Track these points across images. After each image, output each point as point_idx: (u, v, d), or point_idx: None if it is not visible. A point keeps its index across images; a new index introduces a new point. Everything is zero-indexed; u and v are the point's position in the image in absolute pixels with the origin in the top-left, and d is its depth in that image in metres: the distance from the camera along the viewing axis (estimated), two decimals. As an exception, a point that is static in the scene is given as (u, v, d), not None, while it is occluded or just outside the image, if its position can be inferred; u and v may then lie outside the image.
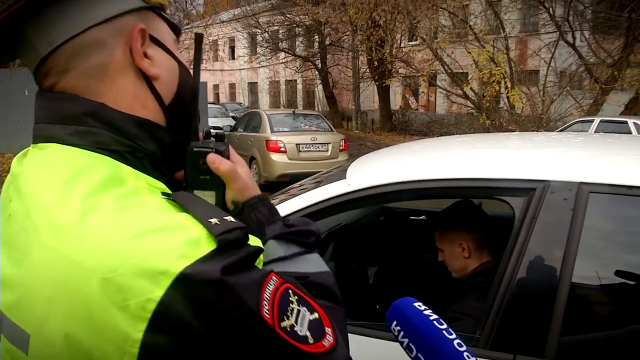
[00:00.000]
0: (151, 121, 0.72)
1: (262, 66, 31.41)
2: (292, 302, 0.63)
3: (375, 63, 19.26)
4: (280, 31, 26.36)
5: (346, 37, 22.53)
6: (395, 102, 25.91)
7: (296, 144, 9.56)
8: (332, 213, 1.75)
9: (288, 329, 0.61)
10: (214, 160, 0.76)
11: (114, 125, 0.69)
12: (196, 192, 0.78)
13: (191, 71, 0.79)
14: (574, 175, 1.43)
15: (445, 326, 0.81)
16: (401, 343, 0.84)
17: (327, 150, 9.84)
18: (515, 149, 1.98)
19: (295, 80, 31.87)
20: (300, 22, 23.75)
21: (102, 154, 0.67)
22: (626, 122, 11.15)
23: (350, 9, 15.88)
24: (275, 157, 9.38)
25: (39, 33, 0.68)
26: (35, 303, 0.59)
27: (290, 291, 0.64)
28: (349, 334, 1.51)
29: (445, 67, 15.24)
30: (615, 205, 1.43)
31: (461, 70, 16.19)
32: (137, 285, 0.55)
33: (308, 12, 20.64)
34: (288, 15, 23.81)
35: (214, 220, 0.61)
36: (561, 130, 11.35)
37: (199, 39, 0.79)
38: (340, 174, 1.83)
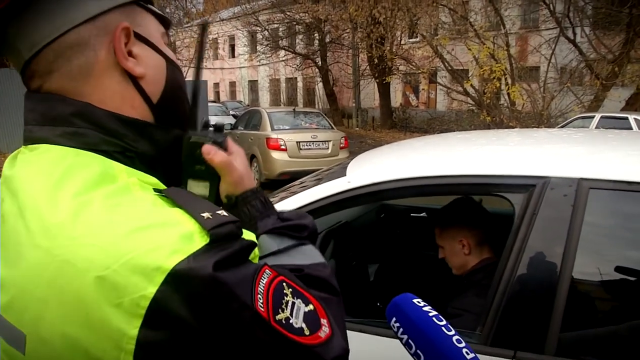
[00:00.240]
0: (139, 120, 0.72)
1: (263, 64, 31.42)
2: (286, 295, 0.64)
3: (376, 60, 19.23)
4: (280, 29, 26.32)
5: (346, 34, 22.50)
6: (396, 99, 25.88)
7: (297, 142, 9.56)
8: (333, 210, 1.75)
9: (283, 321, 0.61)
10: (209, 151, 0.76)
11: (102, 125, 0.68)
12: (191, 181, 0.78)
13: (187, 69, 0.78)
14: (574, 172, 1.42)
15: (444, 322, 0.81)
16: (401, 339, 0.84)
17: (328, 148, 9.83)
18: (515, 146, 1.97)
19: (296, 78, 31.85)
20: (300, 20, 23.71)
21: (92, 153, 0.67)
22: (627, 118, 11.12)
23: (350, 6, 15.86)
24: (275, 155, 9.37)
25: (20, 36, 0.68)
26: (29, 303, 0.59)
27: (284, 284, 0.65)
28: (350, 331, 1.51)
29: (446, 64, 15.21)
30: (615, 201, 1.43)
31: (461, 67, 16.17)
32: (131, 282, 0.55)
33: (308, 10, 20.62)
34: (288, 13, 23.77)
35: (206, 215, 0.61)
36: (562, 127, 11.33)
37: (203, 26, 0.78)
38: (341, 172, 1.83)
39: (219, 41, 36.38)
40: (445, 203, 2.03)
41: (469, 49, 14.21)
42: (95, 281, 0.55)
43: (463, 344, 0.78)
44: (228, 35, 35.55)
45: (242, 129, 11.04)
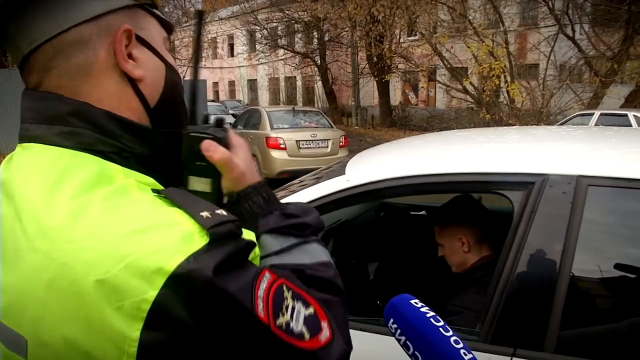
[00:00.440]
0: (135, 122, 0.71)
1: (262, 63, 31.40)
2: (286, 299, 0.63)
3: (375, 59, 19.20)
4: (279, 28, 26.32)
5: (345, 33, 22.48)
6: (395, 97, 25.87)
7: (296, 141, 9.56)
8: (332, 209, 1.75)
9: (283, 326, 0.61)
10: (208, 147, 0.74)
11: (99, 125, 0.68)
12: (192, 178, 0.77)
13: (186, 69, 0.78)
14: (572, 169, 1.42)
15: (442, 323, 0.81)
16: (399, 340, 0.84)
17: (327, 147, 9.83)
18: (514, 143, 1.97)
19: (295, 76, 31.83)
20: (299, 19, 23.70)
21: (89, 153, 0.67)
22: (626, 115, 11.12)
23: (349, 4, 15.86)
24: (275, 154, 9.37)
25: (20, 31, 0.67)
26: (28, 307, 0.59)
27: (284, 287, 0.64)
28: (350, 330, 1.51)
29: (445, 61, 15.21)
30: (614, 198, 1.43)
31: (461, 65, 16.16)
32: (131, 286, 0.55)
33: (307, 8, 20.61)
34: (287, 12, 23.76)
35: (205, 214, 0.61)
36: (561, 124, 11.33)
37: (199, 15, 0.78)
38: (340, 170, 1.83)
39: (217, 40, 36.33)
40: (444, 201, 2.03)
41: (468, 47, 14.21)
42: (95, 284, 0.55)
43: (461, 345, 0.78)
44: (227, 35, 35.53)
45: (241, 128, 11.04)
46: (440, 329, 0.80)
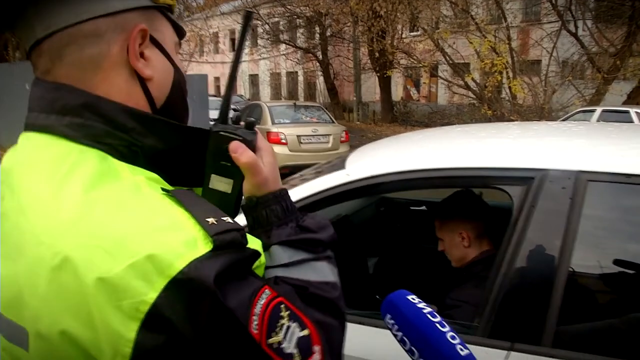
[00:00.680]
0: (150, 114, 0.71)
1: (263, 58, 31.31)
2: (282, 318, 0.63)
3: (377, 54, 19.18)
4: (281, 23, 26.23)
5: (347, 28, 22.43)
6: (397, 93, 25.82)
7: (297, 136, 9.55)
8: (332, 203, 1.75)
9: (275, 345, 0.61)
10: (236, 149, 0.74)
11: (110, 119, 0.68)
12: (214, 177, 0.76)
13: (187, 63, 0.78)
14: (572, 164, 1.42)
15: (438, 319, 0.81)
16: (395, 336, 0.84)
17: (328, 142, 9.82)
18: (514, 138, 1.97)
19: (296, 72, 31.76)
20: (300, 14, 23.62)
21: (96, 148, 0.67)
22: (628, 112, 11.11)
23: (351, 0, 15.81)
24: (276, 149, 9.36)
25: (38, 14, 0.68)
26: (29, 300, 0.59)
27: (282, 306, 0.64)
28: (349, 323, 1.51)
29: (447, 57, 15.18)
30: (613, 194, 1.43)
31: (463, 61, 16.13)
32: (132, 286, 0.55)
33: (308, 3, 20.53)
34: (288, 7, 23.67)
35: (211, 220, 0.61)
36: (563, 120, 11.31)
37: (247, 15, 0.77)
38: (340, 164, 1.83)
39: (219, 35, 36.25)
40: (445, 196, 2.03)
41: (470, 43, 14.19)
42: (97, 282, 0.55)
43: (457, 340, 0.78)
44: (229, 29, 35.43)
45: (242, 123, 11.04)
46: (437, 324, 0.80)
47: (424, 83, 24.93)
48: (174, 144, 0.73)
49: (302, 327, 0.64)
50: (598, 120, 10.94)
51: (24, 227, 0.62)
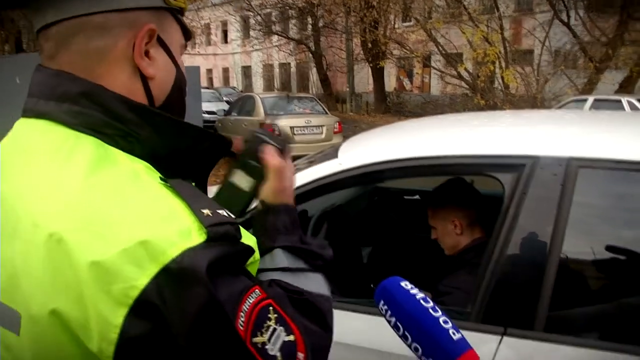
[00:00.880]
0: (147, 107, 0.72)
1: (256, 50, 31.18)
2: (269, 319, 0.63)
3: (369, 44, 19.12)
4: (273, 14, 26.08)
5: (339, 18, 22.32)
6: (390, 83, 25.80)
7: (290, 127, 9.53)
8: (324, 192, 1.75)
9: (259, 345, 0.61)
10: (270, 151, 0.80)
11: (107, 108, 0.68)
12: (238, 172, 0.83)
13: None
14: (563, 151, 1.43)
15: (431, 304, 0.82)
16: (389, 322, 0.85)
17: (322, 133, 9.82)
18: (505, 126, 1.98)
19: (289, 63, 31.65)
20: (292, 4, 23.50)
21: (92, 135, 0.67)
22: (620, 101, 11.16)
23: (343, -11, 15.74)
24: (269, 140, 9.34)
25: (52, 0, 0.68)
26: (24, 282, 0.60)
27: (270, 308, 0.64)
28: (343, 311, 1.51)
29: (440, 47, 15.17)
30: (604, 180, 1.44)
31: (455, 51, 16.12)
32: (124, 271, 0.55)
33: (301, -6, 20.43)
34: (280, -3, 23.57)
35: (206, 211, 0.62)
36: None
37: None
38: (332, 154, 1.83)
39: (211, 27, 36.03)
40: (438, 185, 2.03)
41: (463, 33, 14.17)
42: (89, 265, 0.56)
43: (450, 325, 0.79)
44: (220, 21, 35.24)
45: (235, 114, 11.01)
46: (430, 309, 0.81)
47: (417, 73, 24.91)
48: (170, 137, 0.73)
49: (289, 332, 0.65)
50: (590, 109, 10.99)
51: (21, 211, 0.62)
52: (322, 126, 9.88)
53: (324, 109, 10.88)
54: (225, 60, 38.67)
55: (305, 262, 0.79)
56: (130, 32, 0.69)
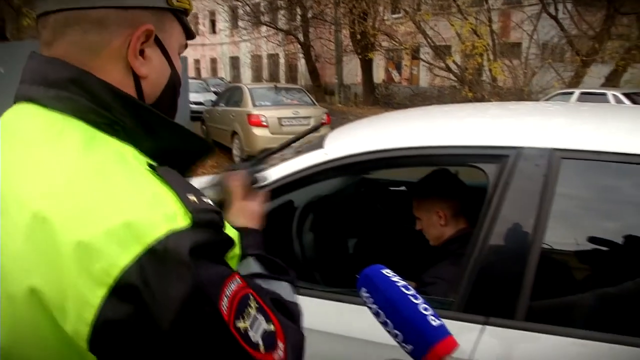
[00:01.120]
0: (133, 98, 0.71)
1: (244, 40, 30.96)
2: (250, 307, 0.63)
3: (358, 36, 19.07)
4: (262, 4, 25.90)
5: (328, 9, 22.23)
6: (378, 75, 25.78)
7: (278, 118, 9.49)
8: (310, 183, 1.75)
9: (242, 330, 0.61)
10: (236, 177, 0.96)
11: (94, 94, 0.68)
12: (208, 189, 0.98)
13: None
14: (546, 142, 1.44)
15: (412, 291, 0.82)
16: (370, 309, 0.85)
17: (310, 124, 9.79)
18: (490, 117, 1.99)
19: (278, 54, 31.50)
20: (281, -5, 23.37)
21: (80, 121, 0.67)
22: (605, 94, 11.26)
23: (332, -20, 15.66)
24: (257, 131, 9.31)
25: None
26: (3, 260, 0.59)
27: (251, 296, 0.64)
28: (329, 301, 1.51)
29: (428, 39, 15.17)
30: (586, 171, 1.45)
31: (444, 43, 16.14)
32: (106, 250, 0.55)
33: (289, -16, 20.30)
34: (269, -13, 23.40)
35: (192, 198, 0.62)
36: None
37: None
38: (319, 144, 1.83)
39: (198, 16, 35.69)
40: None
41: (452, 25, 14.19)
42: (73, 244, 0.55)
43: (430, 311, 0.79)
44: (208, 10, 34.89)
45: (223, 105, 10.94)
46: (410, 296, 0.81)
47: (406, 65, 24.91)
48: (153, 132, 0.73)
49: (269, 321, 0.65)
50: (576, 102, 11.08)
51: (6, 191, 0.62)
52: (310, 117, 9.85)
53: (312, 100, 10.84)
54: (213, 51, 38.37)
55: (275, 272, 0.84)
56: (127, 30, 0.70)
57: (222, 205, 0.94)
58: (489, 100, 12.68)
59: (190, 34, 0.81)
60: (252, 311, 0.63)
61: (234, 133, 9.85)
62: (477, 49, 13.40)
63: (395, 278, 0.86)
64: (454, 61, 14.84)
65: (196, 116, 12.54)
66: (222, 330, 0.59)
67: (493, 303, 1.37)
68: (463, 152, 1.56)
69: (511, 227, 1.39)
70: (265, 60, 33.86)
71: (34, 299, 0.57)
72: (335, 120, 12.93)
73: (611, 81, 14.13)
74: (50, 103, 0.67)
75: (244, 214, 0.94)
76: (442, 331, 0.77)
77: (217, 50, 38.11)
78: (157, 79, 0.75)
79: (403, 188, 2.99)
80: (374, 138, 1.78)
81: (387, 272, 0.87)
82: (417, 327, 0.77)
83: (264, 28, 26.89)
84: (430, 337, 0.76)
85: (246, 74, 35.46)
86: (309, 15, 23.98)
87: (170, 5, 0.73)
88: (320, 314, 1.43)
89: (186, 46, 0.82)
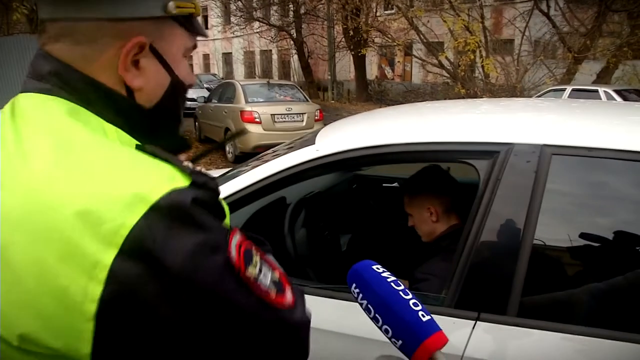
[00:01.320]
0: (115, 92, 0.70)
1: (237, 36, 30.87)
2: (255, 257, 0.65)
3: (351, 32, 19.07)
4: (254, 0, 25.83)
5: (321, 5, 22.22)
6: (371, 71, 25.79)
7: (271, 115, 9.47)
8: (302, 179, 1.75)
9: (252, 278, 0.62)
10: None
11: (74, 88, 0.68)
12: None
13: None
14: (537, 138, 1.45)
15: (402, 287, 0.83)
16: (361, 304, 0.86)
17: (303, 121, 9.78)
18: (481, 113, 1.99)
19: (271, 50, 31.42)
20: (274, -10, 23.29)
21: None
22: (597, 91, 11.32)
23: (324, -24, 15.63)
24: (250, 128, 9.29)
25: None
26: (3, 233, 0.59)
27: (253, 250, 0.65)
28: (322, 297, 1.52)
29: (421, 36, 15.18)
30: (577, 167, 1.45)
31: (437, 40, 16.15)
32: (112, 212, 0.56)
33: (282, -20, 20.24)
34: (262, -17, 23.32)
35: (187, 164, 0.65)
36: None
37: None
38: (311, 140, 1.82)
39: (191, 12, 35.47)
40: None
41: (444, 21, 14.19)
42: (74, 213, 0.56)
43: (419, 307, 0.80)
44: (200, 6, 34.71)
45: (215, 102, 10.91)
46: (400, 292, 0.82)
47: (399, 62, 24.92)
48: (133, 127, 0.72)
49: (273, 270, 0.67)
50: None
51: (4, 169, 0.62)
52: (303, 114, 9.83)
53: (305, 97, 10.83)
54: (205, 47, 38.22)
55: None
56: (119, 42, 0.68)
57: None
58: (481, 97, 12.72)
59: (199, 35, 0.79)
60: (257, 260, 0.64)
61: (227, 130, 9.82)
62: (469, 45, 13.42)
63: (386, 274, 0.86)
64: (446, 57, 14.86)
65: (189, 113, 12.49)
66: (236, 279, 0.60)
67: (485, 299, 1.37)
68: (454, 149, 1.56)
69: (502, 223, 1.39)
70: (258, 57, 33.78)
71: (38, 268, 0.56)
72: (328, 116, 12.94)
73: (602, 78, 14.22)
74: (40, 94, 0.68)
75: None
76: (432, 326, 0.77)
77: (210, 46, 37.96)
78: (152, 90, 0.73)
79: (396, 184, 2.99)
80: (366, 134, 1.78)
81: (377, 267, 0.88)
82: (407, 322, 0.77)
83: (256, 24, 26.80)
84: (420, 332, 0.76)
85: (239, 70, 35.37)
86: (302, 11, 23.94)
87: (168, 13, 0.71)
88: (313, 311, 1.43)
89: (195, 47, 0.80)
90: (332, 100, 23.60)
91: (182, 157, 0.91)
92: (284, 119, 9.60)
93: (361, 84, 23.39)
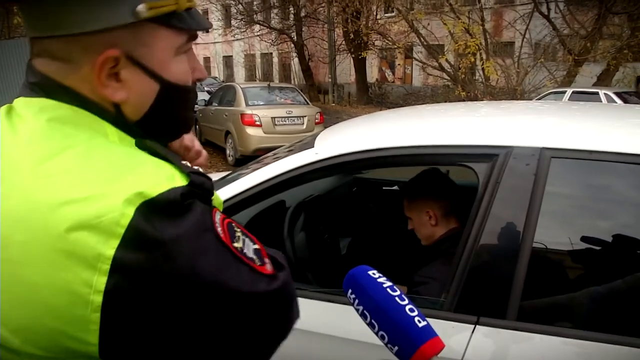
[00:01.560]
0: (100, 105, 0.68)
1: (237, 39, 30.88)
2: (237, 231, 0.66)
3: (351, 35, 19.08)
4: (255, 3, 25.85)
5: (322, 8, 22.25)
6: (372, 74, 25.82)
7: (271, 118, 9.47)
8: (301, 182, 1.74)
9: (239, 249, 0.64)
10: None
11: (60, 100, 0.67)
12: None
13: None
14: (536, 141, 1.44)
15: (398, 293, 0.82)
16: (357, 310, 0.85)
17: (303, 124, 9.78)
18: (481, 116, 1.99)
19: (271, 53, 31.45)
20: (274, -7, 23.33)
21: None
22: (597, 93, 11.32)
23: (325, -21, 15.66)
24: (250, 131, 9.28)
25: (24, 16, 0.69)
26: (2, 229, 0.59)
27: (234, 224, 0.67)
28: (320, 301, 1.51)
29: (421, 38, 15.20)
30: (576, 170, 1.45)
31: (437, 42, 16.17)
32: (112, 206, 0.57)
33: (282, -17, 20.27)
34: (262, -14, 23.35)
35: (185, 163, 0.66)
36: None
37: None
38: (310, 143, 1.82)
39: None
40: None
41: (445, 24, 14.21)
42: (76, 212, 0.56)
43: (415, 313, 0.79)
44: (201, 9, 34.80)
45: (216, 105, 10.91)
46: (396, 298, 0.81)
47: (399, 64, 24.96)
48: (126, 131, 0.72)
49: (253, 242, 0.68)
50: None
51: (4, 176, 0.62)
52: (303, 117, 9.83)
53: (305, 100, 10.82)
54: (206, 50, 38.29)
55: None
56: (92, 57, 0.65)
57: None
58: (482, 100, 12.72)
59: (193, 29, 0.73)
60: (239, 234, 0.66)
61: (227, 133, 9.82)
62: (469, 48, 13.44)
63: (382, 279, 0.86)
64: (447, 60, 14.88)
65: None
66: (226, 251, 0.62)
67: (484, 302, 1.36)
68: (453, 152, 1.55)
69: (502, 226, 1.38)
70: (258, 60, 33.82)
71: (41, 265, 0.57)
72: (329, 119, 12.95)
73: (603, 80, 14.22)
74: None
75: None
76: (429, 332, 0.77)
77: (211, 49, 38.02)
78: (139, 99, 0.70)
79: (395, 187, 2.98)
80: (365, 137, 1.78)
81: (373, 273, 0.87)
82: (403, 328, 0.77)
83: (257, 27, 26.81)
84: (417, 338, 0.76)
85: (239, 73, 35.42)
86: (302, 14, 23.97)
87: (138, 18, 0.65)
88: (311, 314, 1.42)
89: (193, 38, 0.74)
90: (332, 103, 23.61)
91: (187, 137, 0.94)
92: (284, 122, 9.60)
93: (362, 87, 23.40)
